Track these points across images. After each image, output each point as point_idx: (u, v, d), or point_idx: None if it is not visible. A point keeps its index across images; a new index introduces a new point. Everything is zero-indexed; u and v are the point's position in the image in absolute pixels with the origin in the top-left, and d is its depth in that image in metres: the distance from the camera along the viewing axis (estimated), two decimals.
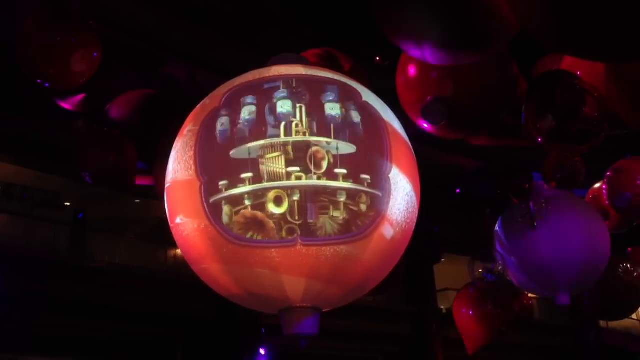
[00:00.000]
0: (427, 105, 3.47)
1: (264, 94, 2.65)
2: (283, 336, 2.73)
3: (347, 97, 2.70)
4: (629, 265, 6.09)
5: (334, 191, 2.49)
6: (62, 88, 4.25)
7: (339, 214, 2.49)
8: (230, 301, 2.89)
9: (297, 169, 2.49)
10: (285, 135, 2.54)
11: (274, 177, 2.49)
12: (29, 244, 13.33)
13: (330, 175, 2.51)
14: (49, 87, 4.00)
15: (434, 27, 2.81)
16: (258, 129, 2.56)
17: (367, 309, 14.66)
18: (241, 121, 2.61)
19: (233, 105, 2.66)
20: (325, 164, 2.51)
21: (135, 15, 4.87)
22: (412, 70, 3.58)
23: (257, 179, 2.50)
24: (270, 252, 2.49)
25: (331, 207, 2.48)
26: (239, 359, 12.77)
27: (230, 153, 2.55)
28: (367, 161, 2.58)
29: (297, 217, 2.46)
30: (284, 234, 2.47)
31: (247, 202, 2.49)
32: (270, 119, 2.57)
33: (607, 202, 5.33)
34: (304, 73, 2.78)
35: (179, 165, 2.69)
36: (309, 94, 2.65)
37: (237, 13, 4.90)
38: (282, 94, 2.64)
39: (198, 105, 2.85)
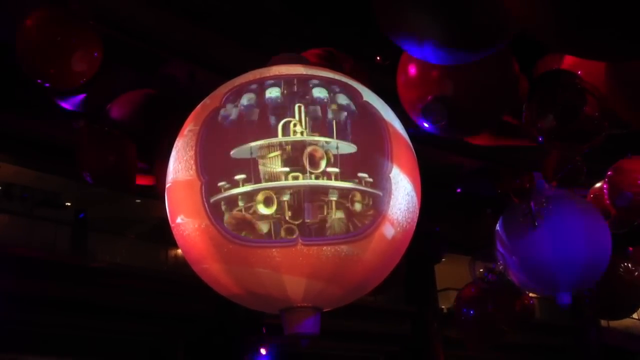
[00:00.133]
0: (428, 104, 3.47)
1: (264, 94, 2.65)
2: (284, 336, 2.73)
3: (347, 96, 2.70)
4: (630, 265, 6.09)
5: (334, 191, 2.49)
6: (62, 88, 4.25)
7: (340, 214, 2.48)
8: (230, 301, 2.88)
9: (294, 168, 2.48)
10: (284, 135, 2.54)
11: (271, 177, 2.49)
12: (30, 244, 13.32)
13: (329, 174, 2.50)
14: (49, 87, 4.01)
15: (434, 27, 2.81)
16: (258, 128, 2.56)
17: (368, 309, 14.67)
18: (241, 121, 2.60)
19: (233, 105, 2.66)
20: (323, 164, 2.50)
21: (136, 15, 4.86)
22: (412, 70, 3.57)
23: (256, 179, 2.49)
24: (271, 251, 2.48)
25: (333, 207, 2.48)
26: (240, 359, 12.76)
27: (231, 153, 2.55)
28: (368, 161, 2.58)
29: (288, 217, 2.46)
30: (283, 234, 2.46)
31: (240, 204, 2.48)
32: (270, 119, 2.57)
33: (607, 202, 5.33)
34: (304, 73, 2.78)
35: (180, 165, 2.68)
36: (308, 93, 2.65)
37: (237, 13, 4.89)
38: (271, 82, 2.66)
39: (198, 105, 2.85)
